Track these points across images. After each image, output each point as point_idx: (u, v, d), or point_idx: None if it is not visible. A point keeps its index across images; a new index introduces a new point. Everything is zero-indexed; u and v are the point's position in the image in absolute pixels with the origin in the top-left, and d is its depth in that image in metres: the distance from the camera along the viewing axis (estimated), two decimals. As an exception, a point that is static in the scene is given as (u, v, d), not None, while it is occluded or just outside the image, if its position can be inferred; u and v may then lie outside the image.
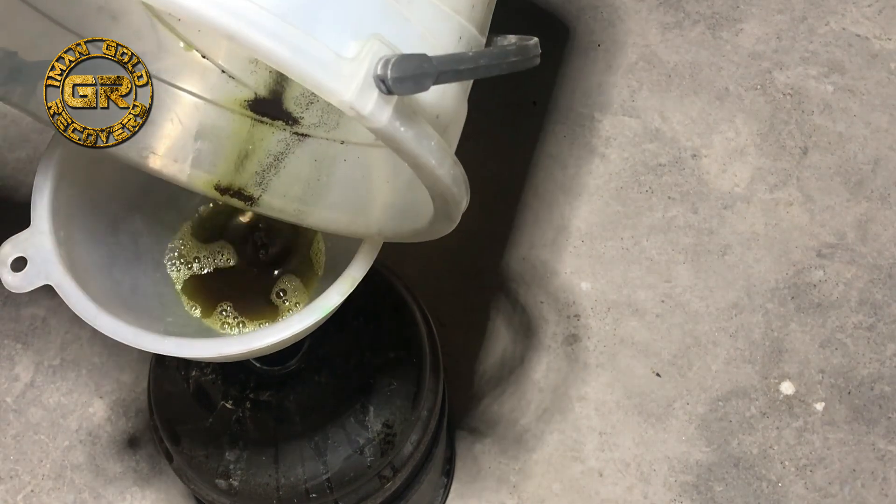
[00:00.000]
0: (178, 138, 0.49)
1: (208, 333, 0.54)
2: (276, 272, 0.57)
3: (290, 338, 0.45)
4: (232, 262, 0.57)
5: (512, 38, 0.44)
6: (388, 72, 0.31)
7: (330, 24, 0.33)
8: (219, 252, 0.57)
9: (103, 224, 0.52)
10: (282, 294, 0.56)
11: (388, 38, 0.34)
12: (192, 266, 0.56)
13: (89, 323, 0.44)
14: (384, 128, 0.33)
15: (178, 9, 0.28)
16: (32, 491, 0.87)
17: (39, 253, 0.45)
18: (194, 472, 0.62)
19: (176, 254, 0.56)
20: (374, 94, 0.32)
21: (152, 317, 0.52)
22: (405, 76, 0.31)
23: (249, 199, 0.50)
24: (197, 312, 0.55)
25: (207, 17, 0.29)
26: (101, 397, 0.91)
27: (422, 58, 0.32)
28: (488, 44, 0.44)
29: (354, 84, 0.31)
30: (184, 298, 0.55)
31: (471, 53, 0.35)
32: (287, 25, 0.30)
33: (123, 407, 0.91)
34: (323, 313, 0.45)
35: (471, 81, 0.44)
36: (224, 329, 0.55)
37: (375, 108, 0.32)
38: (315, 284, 0.57)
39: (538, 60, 0.40)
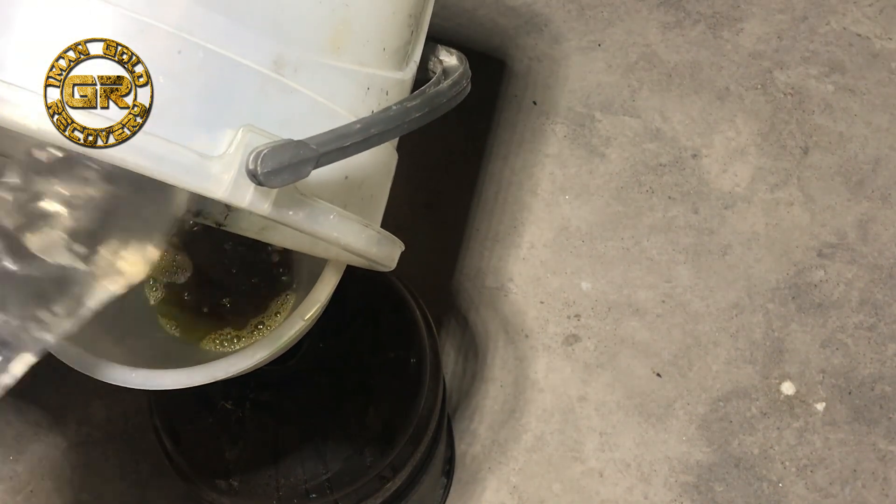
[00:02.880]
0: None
1: (191, 352, 0.53)
2: (253, 277, 0.56)
3: (257, 364, 0.45)
4: (205, 280, 0.56)
5: (449, 56, 0.43)
6: (259, 167, 0.30)
7: (197, 120, 0.31)
8: (189, 268, 0.56)
9: None
10: (265, 314, 0.55)
11: (271, 116, 0.32)
12: (169, 283, 0.56)
13: (56, 355, 0.44)
14: (269, 216, 0.31)
15: (28, 133, 0.28)
16: (32, 491, 0.87)
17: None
18: (194, 472, 0.62)
19: (152, 276, 0.56)
20: (251, 187, 0.30)
21: (139, 334, 0.52)
22: (280, 167, 0.30)
23: (218, 224, 0.50)
24: (181, 333, 0.54)
25: (57, 139, 0.28)
26: (100, 397, 0.91)
27: (297, 145, 0.31)
28: (423, 64, 0.42)
29: (226, 182, 0.30)
30: (163, 320, 0.54)
31: (358, 125, 0.33)
32: (144, 135, 0.29)
33: (123, 407, 0.91)
34: (283, 340, 0.45)
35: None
36: (217, 347, 0.54)
37: (254, 200, 0.31)
38: (293, 289, 0.56)
39: (467, 91, 0.38)
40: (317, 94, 0.35)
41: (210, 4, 0.31)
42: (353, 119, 0.35)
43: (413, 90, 0.41)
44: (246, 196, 0.31)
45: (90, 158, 0.31)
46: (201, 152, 0.30)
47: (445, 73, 0.42)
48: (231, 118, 0.31)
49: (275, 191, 0.31)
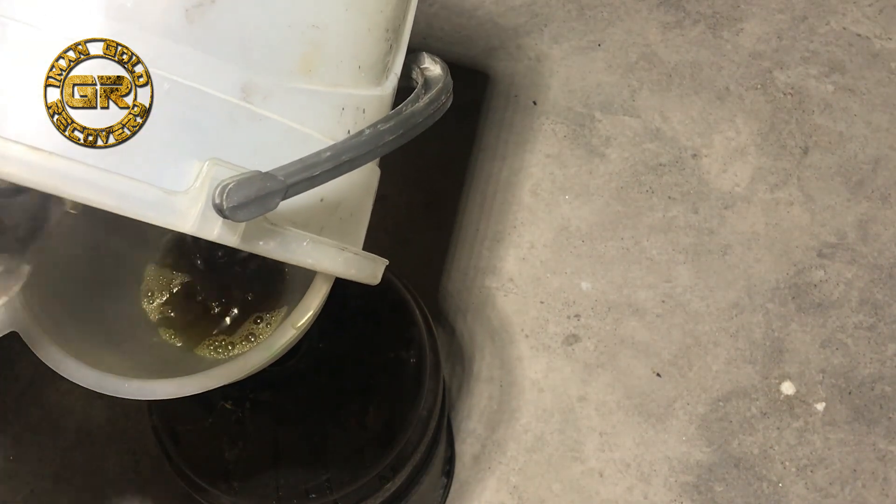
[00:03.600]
0: None
1: (186, 358, 0.53)
2: (247, 280, 0.56)
3: (249, 373, 0.45)
4: (199, 287, 0.56)
5: (433, 65, 0.42)
6: (224, 201, 0.30)
7: (163, 154, 0.30)
8: (184, 278, 0.56)
9: (81, 250, 0.51)
10: (259, 320, 0.55)
11: (241, 145, 0.32)
12: (164, 292, 0.56)
13: (53, 368, 0.44)
14: (238, 245, 0.31)
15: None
16: (32, 491, 0.87)
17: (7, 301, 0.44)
18: (194, 473, 0.62)
19: (148, 282, 0.56)
20: (218, 222, 0.30)
21: (135, 339, 0.52)
22: (247, 201, 0.30)
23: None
24: (176, 338, 0.54)
25: (24, 178, 0.28)
26: (100, 397, 0.91)
27: (264, 177, 0.30)
28: (406, 73, 0.41)
29: (192, 216, 0.30)
30: (158, 328, 0.54)
31: (328, 153, 0.32)
32: (106, 174, 0.29)
33: (123, 407, 0.91)
34: (275, 349, 0.45)
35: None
36: (211, 353, 0.54)
37: (222, 233, 0.30)
38: (287, 295, 0.56)
39: (447, 106, 0.37)
40: (288, 120, 0.34)
41: (175, 36, 0.30)
42: (329, 142, 0.34)
43: (395, 101, 0.40)
44: (214, 229, 0.30)
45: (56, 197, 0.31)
46: (167, 188, 0.30)
47: (427, 84, 0.40)
48: (199, 150, 0.31)
49: (241, 225, 0.31)
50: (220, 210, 0.30)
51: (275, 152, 0.32)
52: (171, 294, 0.55)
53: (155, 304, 0.55)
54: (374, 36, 0.38)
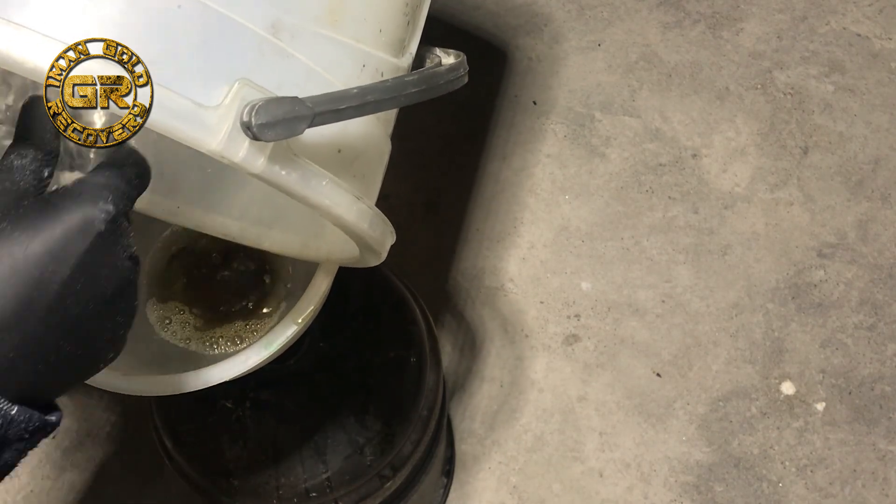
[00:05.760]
0: None
1: (187, 354, 0.54)
2: (248, 277, 0.56)
3: (248, 371, 0.45)
4: (206, 275, 0.56)
5: (446, 56, 0.43)
6: (253, 118, 0.30)
7: (196, 72, 0.31)
8: (181, 276, 0.56)
9: None
10: (258, 318, 0.55)
11: (267, 77, 0.32)
12: (164, 292, 0.56)
13: None
14: (261, 174, 0.31)
15: (25, 74, 0.28)
16: (32, 491, 0.87)
17: None
18: (194, 472, 0.62)
19: (148, 283, 0.56)
20: (245, 143, 0.30)
21: (135, 337, 0.52)
22: (274, 121, 0.30)
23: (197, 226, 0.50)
24: (172, 335, 0.54)
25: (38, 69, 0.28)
26: (101, 397, 0.91)
27: (293, 101, 0.31)
28: (418, 61, 0.42)
29: (222, 133, 0.30)
30: (157, 325, 0.54)
31: (355, 90, 0.33)
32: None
33: (123, 407, 0.91)
34: (276, 345, 0.44)
35: (391, 114, 0.42)
36: (215, 347, 0.54)
37: (248, 156, 0.30)
38: (290, 280, 0.56)
39: (461, 82, 0.38)
40: (313, 63, 0.35)
41: None
42: None
43: None
44: (240, 150, 0.30)
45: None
46: (200, 101, 0.30)
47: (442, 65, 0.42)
48: (227, 73, 0.31)
49: (269, 147, 0.31)
50: (248, 128, 0.30)
51: (297, 91, 0.33)
52: (170, 294, 0.56)
53: (154, 304, 0.55)
54: (395, 6, 0.39)
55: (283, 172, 0.32)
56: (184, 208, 0.48)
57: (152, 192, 0.47)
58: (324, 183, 0.34)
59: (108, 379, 0.45)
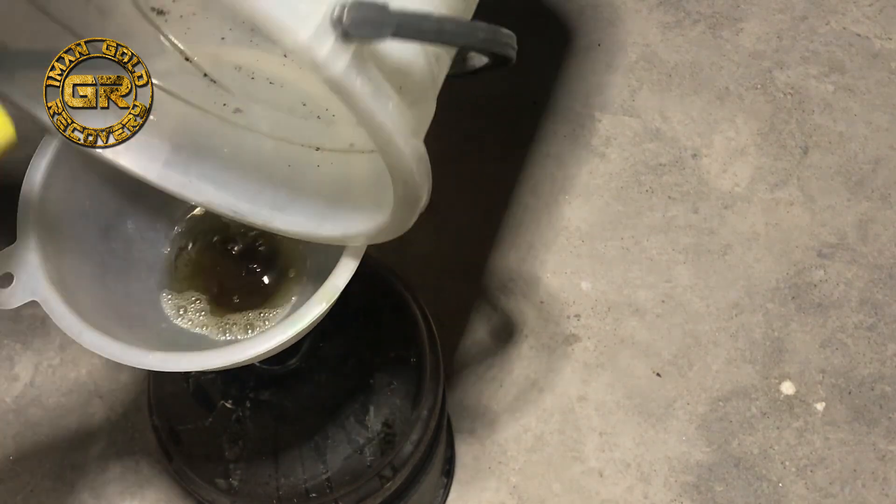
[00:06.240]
0: (153, 137, 0.49)
1: (201, 340, 0.54)
2: (261, 270, 0.57)
3: (275, 348, 0.45)
4: (219, 267, 0.57)
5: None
6: (345, 14, 0.30)
7: None
8: (199, 265, 0.57)
9: (94, 232, 0.52)
10: (274, 305, 0.55)
11: None
12: (182, 278, 0.56)
13: (74, 338, 0.44)
14: (339, 76, 0.31)
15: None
16: (32, 491, 0.87)
17: (26, 269, 0.45)
18: (194, 472, 0.62)
19: (168, 259, 0.56)
20: (331, 38, 0.30)
21: (146, 324, 0.52)
22: (364, 21, 0.30)
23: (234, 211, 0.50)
24: (188, 319, 0.54)
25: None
26: (100, 397, 0.91)
27: (382, 6, 0.31)
28: (461, 58, 0.43)
29: (311, 23, 0.30)
30: (171, 312, 0.55)
31: (436, 15, 0.33)
32: None
33: (123, 407, 0.91)
34: (307, 322, 0.44)
35: (441, 74, 0.42)
36: (227, 334, 0.54)
37: (331, 54, 0.30)
38: (303, 275, 0.56)
39: (513, 53, 0.38)
40: None
41: None
42: None
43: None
44: (324, 48, 0.30)
45: None
46: None
47: None
48: None
49: (350, 52, 0.31)
50: (338, 21, 0.30)
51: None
52: (189, 280, 0.56)
53: (171, 290, 0.55)
54: None
55: (359, 81, 0.32)
56: (196, 183, 0.48)
57: (167, 165, 0.47)
58: (390, 105, 0.34)
59: (129, 354, 0.44)
